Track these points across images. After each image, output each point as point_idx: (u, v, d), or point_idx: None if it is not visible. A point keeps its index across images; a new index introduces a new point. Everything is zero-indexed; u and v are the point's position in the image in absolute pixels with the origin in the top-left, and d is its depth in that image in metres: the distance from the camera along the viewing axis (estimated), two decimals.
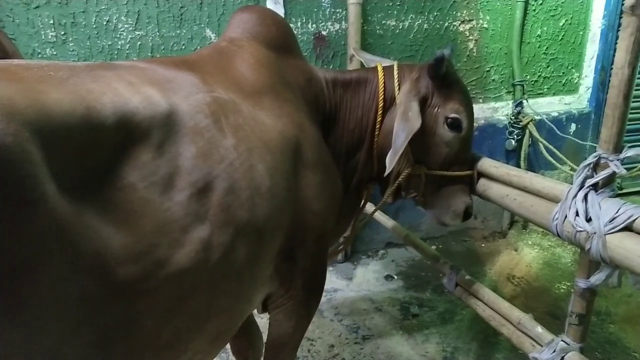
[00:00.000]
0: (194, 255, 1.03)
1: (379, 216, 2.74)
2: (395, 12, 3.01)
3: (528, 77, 3.42)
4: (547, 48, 3.43)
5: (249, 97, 1.34)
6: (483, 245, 3.48)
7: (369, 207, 2.36)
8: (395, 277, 3.10)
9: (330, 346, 2.45)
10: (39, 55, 2.50)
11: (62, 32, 2.52)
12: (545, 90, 3.52)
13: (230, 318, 1.21)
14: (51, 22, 2.48)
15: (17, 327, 0.75)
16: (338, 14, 2.90)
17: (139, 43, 2.64)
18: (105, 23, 2.57)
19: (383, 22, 3.00)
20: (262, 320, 1.99)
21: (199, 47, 2.73)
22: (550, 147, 3.19)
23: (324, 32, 2.91)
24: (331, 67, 2.96)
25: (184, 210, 1.02)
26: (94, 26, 2.55)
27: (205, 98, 1.18)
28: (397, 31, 3.04)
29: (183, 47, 2.71)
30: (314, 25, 2.89)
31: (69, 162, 0.84)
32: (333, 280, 3.04)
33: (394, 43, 3.06)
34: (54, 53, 2.53)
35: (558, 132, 3.36)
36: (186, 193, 1.03)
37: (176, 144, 1.05)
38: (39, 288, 0.77)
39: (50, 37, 2.50)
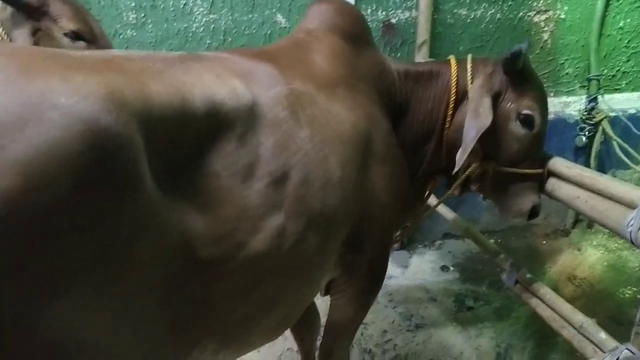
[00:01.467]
0: (269, 242, 1.08)
1: (440, 207, 2.72)
2: (468, 0, 2.94)
3: (605, 71, 3.26)
4: (628, 41, 3.25)
5: (324, 89, 1.37)
6: (544, 242, 3.40)
7: (432, 199, 2.36)
8: (451, 268, 3.09)
9: (383, 331, 2.49)
10: (120, 37, 2.64)
11: (142, 15, 2.63)
12: (624, 85, 3.35)
13: (298, 301, 1.27)
14: (132, 4, 2.61)
15: (110, 301, 0.82)
16: (409, 2, 2.87)
17: (212, 26, 2.72)
18: (181, 7, 2.66)
19: (454, 11, 2.94)
20: (320, 302, 2.05)
21: (269, 32, 2.79)
22: (625, 145, 3.05)
23: (393, 20, 2.89)
24: (398, 55, 2.94)
25: (262, 198, 1.08)
26: (172, 9, 2.66)
27: (283, 90, 1.23)
28: (469, 21, 2.98)
29: (254, 32, 2.77)
30: (383, 13, 2.87)
31: (162, 150, 0.90)
32: (388, 267, 3.05)
33: (465, 33, 2.99)
34: (134, 34, 2.66)
35: (635, 130, 3.19)
36: (264, 182, 1.09)
37: (257, 135, 1.10)
38: (132, 265, 0.84)
39: (131, 19, 2.63)
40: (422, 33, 2.83)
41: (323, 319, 1.95)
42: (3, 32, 1.77)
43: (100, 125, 0.75)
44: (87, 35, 1.74)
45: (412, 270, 3.06)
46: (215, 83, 1.06)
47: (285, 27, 2.80)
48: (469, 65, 1.73)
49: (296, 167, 1.16)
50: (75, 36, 1.70)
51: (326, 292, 1.60)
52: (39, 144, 0.69)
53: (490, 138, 1.67)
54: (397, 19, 2.89)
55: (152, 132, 0.87)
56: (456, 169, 1.61)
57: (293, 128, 1.19)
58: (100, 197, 0.76)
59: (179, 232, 0.93)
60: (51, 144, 0.69)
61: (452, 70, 1.74)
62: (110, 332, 0.81)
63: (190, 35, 2.73)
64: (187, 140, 0.96)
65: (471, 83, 1.70)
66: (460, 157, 1.58)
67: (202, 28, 2.72)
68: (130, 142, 0.80)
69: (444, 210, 2.75)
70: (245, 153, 1.07)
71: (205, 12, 2.70)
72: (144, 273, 0.86)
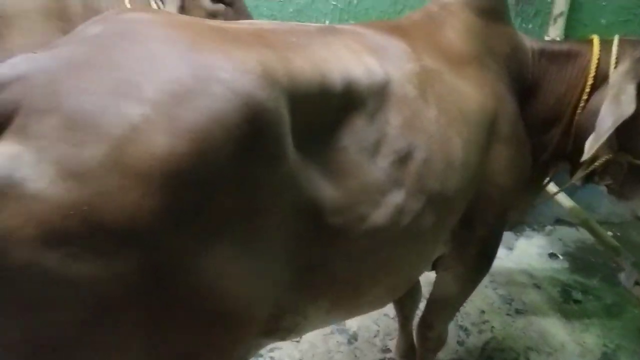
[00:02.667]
0: (388, 217, 1.12)
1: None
2: None
3: None
4: None
5: (454, 66, 1.35)
6: None
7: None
8: (561, 257, 2.94)
9: (481, 312, 2.47)
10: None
11: None
12: None
13: (409, 274, 1.31)
14: None
15: (251, 253, 0.90)
16: None
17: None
18: None
19: None
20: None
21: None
22: None
23: None
24: (530, 27, 2.76)
25: (385, 175, 1.11)
26: None
27: (415, 68, 1.23)
28: None
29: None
30: None
31: (302, 124, 0.96)
32: None
33: (609, 4, 2.72)
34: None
35: None
36: (389, 160, 1.12)
37: (386, 113, 1.13)
38: (270, 223, 0.92)
39: None
40: (560, 3, 2.62)
41: (424, 290, 1.98)
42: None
43: (256, 100, 0.82)
44: None
45: (517, 254, 2.97)
46: (351, 60, 1.09)
47: None
48: (614, 48, 1.59)
49: (420, 147, 1.17)
50: None
51: (432, 267, 1.62)
52: (206, 114, 0.77)
53: (630, 129, 1.54)
54: None
55: (296, 107, 0.93)
56: (584, 158, 1.52)
57: (421, 108, 1.19)
58: (250, 164, 0.84)
59: (311, 199, 1.00)
60: (216, 115, 0.77)
61: (594, 52, 1.61)
62: (247, 282, 0.90)
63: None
64: (324, 115, 1.01)
65: (615, 67, 1.57)
66: (592, 146, 1.48)
67: None
68: (279, 117, 0.86)
69: (559, 195, 2.60)
70: (373, 130, 1.10)
71: None
72: (278, 231, 0.94)
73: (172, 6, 1.88)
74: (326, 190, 1.03)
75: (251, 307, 0.93)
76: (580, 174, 1.71)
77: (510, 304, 2.53)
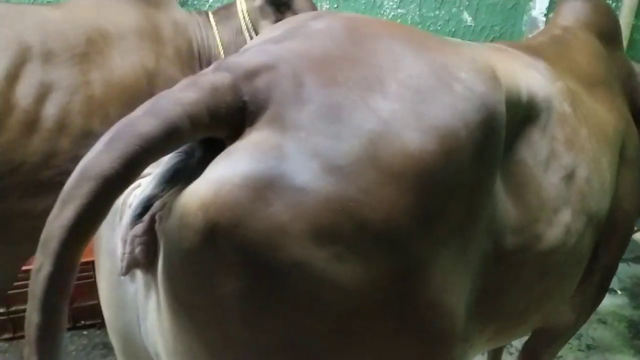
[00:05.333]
0: (559, 237, 1.07)
1: None
2: None
3: None
4: None
5: (586, 88, 1.34)
6: None
7: None
8: (619, 292, 2.89)
9: None
10: None
11: (335, 6, 2.73)
12: None
13: (560, 300, 1.25)
14: None
15: (461, 263, 0.83)
16: (612, 4, 2.72)
17: (399, 20, 2.76)
18: (372, 0, 2.72)
19: None
20: None
21: (454, 30, 2.77)
22: None
23: None
24: None
25: (556, 192, 1.07)
26: (363, 1, 2.72)
27: (563, 86, 1.21)
28: None
29: (439, 28, 2.77)
30: None
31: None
32: None
33: None
34: None
35: None
36: (558, 176, 1.08)
37: (552, 128, 1.10)
38: (474, 239, 0.86)
39: (324, 8, 2.73)
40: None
41: None
42: (248, 21, 1.95)
43: (491, 101, 0.79)
44: None
45: None
46: (527, 74, 1.07)
47: (471, 25, 2.77)
48: None
49: (581, 165, 1.14)
50: None
51: None
52: (451, 112, 0.73)
53: None
54: None
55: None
56: None
57: (576, 125, 1.17)
58: (480, 169, 0.79)
59: (498, 216, 0.95)
60: (460, 113, 0.73)
61: None
62: (457, 299, 0.84)
63: None
64: (513, 126, 0.98)
65: None
66: None
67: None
68: (503, 121, 0.83)
69: None
70: (545, 144, 1.07)
71: (394, 7, 2.74)
72: (476, 245, 0.89)
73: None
74: (509, 206, 0.98)
75: (458, 327, 0.86)
76: None
77: (579, 339, 2.46)
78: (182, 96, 0.65)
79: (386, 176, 0.67)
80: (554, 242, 1.06)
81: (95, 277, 2.54)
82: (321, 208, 0.62)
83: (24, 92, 1.45)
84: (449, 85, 0.75)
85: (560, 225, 1.07)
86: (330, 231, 0.63)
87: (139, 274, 0.74)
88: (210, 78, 0.68)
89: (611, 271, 1.50)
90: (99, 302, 2.65)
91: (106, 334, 2.66)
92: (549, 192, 1.06)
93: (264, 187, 0.62)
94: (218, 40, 2.06)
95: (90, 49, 1.62)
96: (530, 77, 1.06)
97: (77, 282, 2.26)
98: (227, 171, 0.63)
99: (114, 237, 0.74)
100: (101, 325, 2.53)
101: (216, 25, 2.04)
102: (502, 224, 0.97)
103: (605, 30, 1.52)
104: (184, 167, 0.71)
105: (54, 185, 1.56)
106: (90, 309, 2.50)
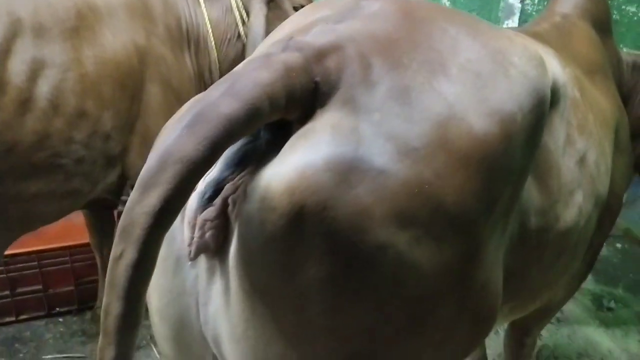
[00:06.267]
0: (574, 218, 1.13)
1: None
2: None
3: None
4: None
5: (587, 75, 1.40)
6: None
7: None
8: None
9: None
10: None
11: None
12: None
13: (567, 278, 1.32)
14: None
15: (499, 245, 0.86)
16: None
17: None
18: None
19: (623, 7, 2.88)
20: None
21: None
22: None
23: None
24: None
25: (572, 175, 1.12)
26: None
27: (571, 72, 1.26)
28: (635, 19, 2.90)
29: None
30: None
31: None
32: None
33: (628, 31, 2.92)
34: None
35: None
36: (573, 160, 1.13)
37: (567, 113, 1.14)
38: (510, 222, 0.90)
39: None
40: None
41: None
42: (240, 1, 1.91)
43: (540, 86, 0.81)
44: None
45: None
46: (549, 60, 1.10)
47: None
48: None
49: (591, 149, 1.19)
50: None
51: None
52: (509, 97, 0.75)
53: None
54: None
55: None
56: None
57: (585, 110, 1.22)
58: (528, 151, 0.82)
59: (525, 198, 0.98)
60: (517, 98, 0.75)
61: None
62: (498, 271, 0.87)
63: None
64: None
65: None
66: None
67: None
68: (549, 106, 0.85)
69: None
70: (563, 129, 1.11)
71: None
72: (510, 227, 0.92)
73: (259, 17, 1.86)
74: (534, 189, 1.02)
75: (499, 306, 0.89)
76: None
77: None
78: (259, 77, 0.63)
79: (455, 159, 0.68)
80: (570, 223, 1.12)
81: (70, 264, 2.44)
82: (401, 191, 0.63)
83: (17, 69, 1.36)
84: (505, 70, 0.76)
85: (574, 206, 1.12)
86: (410, 214, 0.64)
87: (201, 258, 0.72)
88: (282, 58, 0.66)
89: (599, 250, 1.59)
90: (74, 289, 2.56)
91: (83, 320, 2.57)
92: (566, 176, 1.10)
93: (347, 170, 0.62)
94: (206, 18, 2.00)
95: (80, 23, 1.54)
96: (552, 64, 1.09)
97: (51, 269, 2.18)
98: (309, 154, 0.62)
99: None
100: (77, 311, 2.45)
101: (204, 2, 1.98)
102: (528, 206, 1.00)
103: (599, 18, 1.58)
104: (252, 149, 0.69)
105: (48, 167, 1.48)
106: (66, 296, 2.42)
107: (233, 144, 0.63)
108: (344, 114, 0.65)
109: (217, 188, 0.67)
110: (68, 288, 2.41)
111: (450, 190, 0.67)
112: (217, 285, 0.71)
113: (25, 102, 1.37)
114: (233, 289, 0.68)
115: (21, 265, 2.30)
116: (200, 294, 0.74)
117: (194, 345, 0.79)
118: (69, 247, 2.35)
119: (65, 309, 2.44)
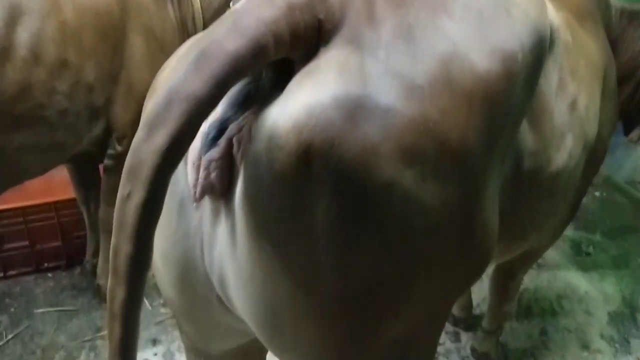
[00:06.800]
0: (564, 160, 1.15)
1: None
2: None
3: None
4: None
5: (577, 20, 1.39)
6: None
7: None
8: None
9: None
10: None
11: None
12: None
13: (554, 221, 1.35)
14: None
15: (494, 195, 0.88)
16: None
17: None
18: None
19: None
20: None
21: None
22: None
23: None
24: None
25: (563, 118, 1.13)
26: None
27: (563, 16, 1.25)
28: None
29: None
30: None
31: None
32: None
33: None
34: None
35: None
36: (564, 104, 1.14)
37: (560, 57, 1.14)
38: (506, 163, 0.91)
39: None
40: None
41: None
42: None
43: (541, 27, 0.82)
44: None
45: None
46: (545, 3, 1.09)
47: None
48: None
49: (581, 93, 1.20)
50: None
51: None
52: (511, 35, 0.75)
53: None
54: None
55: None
56: None
57: (576, 54, 1.22)
58: (527, 91, 0.83)
59: (519, 139, 1.00)
60: (519, 36, 0.76)
61: None
62: (495, 211, 0.88)
63: None
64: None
65: None
66: None
67: None
68: (546, 48, 0.85)
69: None
70: (556, 73, 1.11)
71: None
72: (504, 167, 0.93)
73: None
74: (528, 131, 1.03)
75: (495, 246, 0.92)
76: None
77: None
78: (263, 14, 0.61)
79: (459, 98, 0.68)
80: (561, 165, 1.14)
81: (57, 219, 2.42)
82: (407, 128, 0.63)
83: None
84: (506, 8, 0.76)
85: (565, 149, 1.14)
86: (416, 151, 0.64)
87: (206, 200, 0.72)
88: None
89: (583, 194, 1.63)
90: (62, 244, 2.54)
91: (73, 275, 2.57)
92: (558, 119, 1.11)
93: (354, 108, 0.61)
94: None
95: None
96: (548, 6, 1.09)
97: (37, 225, 2.17)
98: (316, 92, 0.61)
99: None
100: (66, 267, 2.45)
101: None
102: (521, 148, 1.02)
103: None
104: (254, 89, 0.68)
105: (31, 119, 1.44)
106: (54, 251, 2.41)
107: (238, 82, 0.62)
108: (349, 52, 0.64)
109: (220, 128, 0.67)
110: (55, 244, 2.40)
111: (454, 127, 0.67)
112: (223, 227, 0.71)
113: (4, 51, 1.32)
114: (239, 230, 0.68)
115: (6, 221, 2.27)
116: (205, 236, 0.74)
117: (199, 287, 0.80)
118: (54, 202, 2.32)
119: (54, 264, 2.43)
